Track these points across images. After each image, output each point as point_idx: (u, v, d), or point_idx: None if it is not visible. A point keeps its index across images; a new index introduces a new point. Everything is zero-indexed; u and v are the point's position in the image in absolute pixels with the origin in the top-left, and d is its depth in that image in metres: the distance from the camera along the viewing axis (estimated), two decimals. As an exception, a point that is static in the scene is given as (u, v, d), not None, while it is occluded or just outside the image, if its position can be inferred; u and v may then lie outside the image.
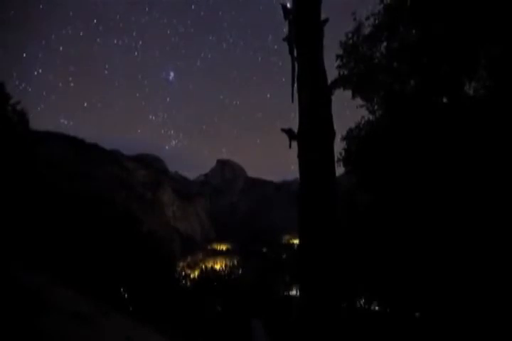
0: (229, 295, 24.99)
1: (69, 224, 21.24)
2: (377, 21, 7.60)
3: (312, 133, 3.15)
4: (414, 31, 7.39)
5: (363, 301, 14.89)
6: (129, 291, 23.89)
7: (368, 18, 7.69)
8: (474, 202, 6.51)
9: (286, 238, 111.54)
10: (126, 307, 18.97)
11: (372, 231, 9.38)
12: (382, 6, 7.54)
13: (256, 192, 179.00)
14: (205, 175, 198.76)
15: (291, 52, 3.72)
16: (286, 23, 3.83)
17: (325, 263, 3.73)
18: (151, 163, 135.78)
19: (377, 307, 14.51)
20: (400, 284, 9.08)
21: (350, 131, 8.86)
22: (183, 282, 37.93)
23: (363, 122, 8.75)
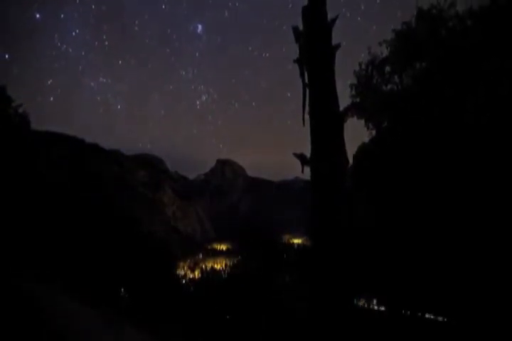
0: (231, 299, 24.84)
1: (68, 225, 21.29)
2: (389, 48, 7.85)
3: (324, 161, 3.21)
4: (423, 58, 7.56)
5: (364, 301, 14.95)
6: (129, 292, 23.94)
7: (380, 45, 7.94)
8: (476, 212, 6.58)
9: (286, 238, 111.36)
10: (127, 309, 19.02)
11: (374, 235, 9.44)
12: (394, 33, 7.81)
13: (256, 192, 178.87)
14: (205, 174, 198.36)
15: (301, 75, 3.75)
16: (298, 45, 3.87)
17: (337, 265, 3.83)
18: (151, 163, 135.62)
19: (381, 308, 14.55)
20: (401, 284, 9.14)
21: (360, 152, 9.04)
22: (184, 282, 38.06)
23: (371, 141, 8.92)
